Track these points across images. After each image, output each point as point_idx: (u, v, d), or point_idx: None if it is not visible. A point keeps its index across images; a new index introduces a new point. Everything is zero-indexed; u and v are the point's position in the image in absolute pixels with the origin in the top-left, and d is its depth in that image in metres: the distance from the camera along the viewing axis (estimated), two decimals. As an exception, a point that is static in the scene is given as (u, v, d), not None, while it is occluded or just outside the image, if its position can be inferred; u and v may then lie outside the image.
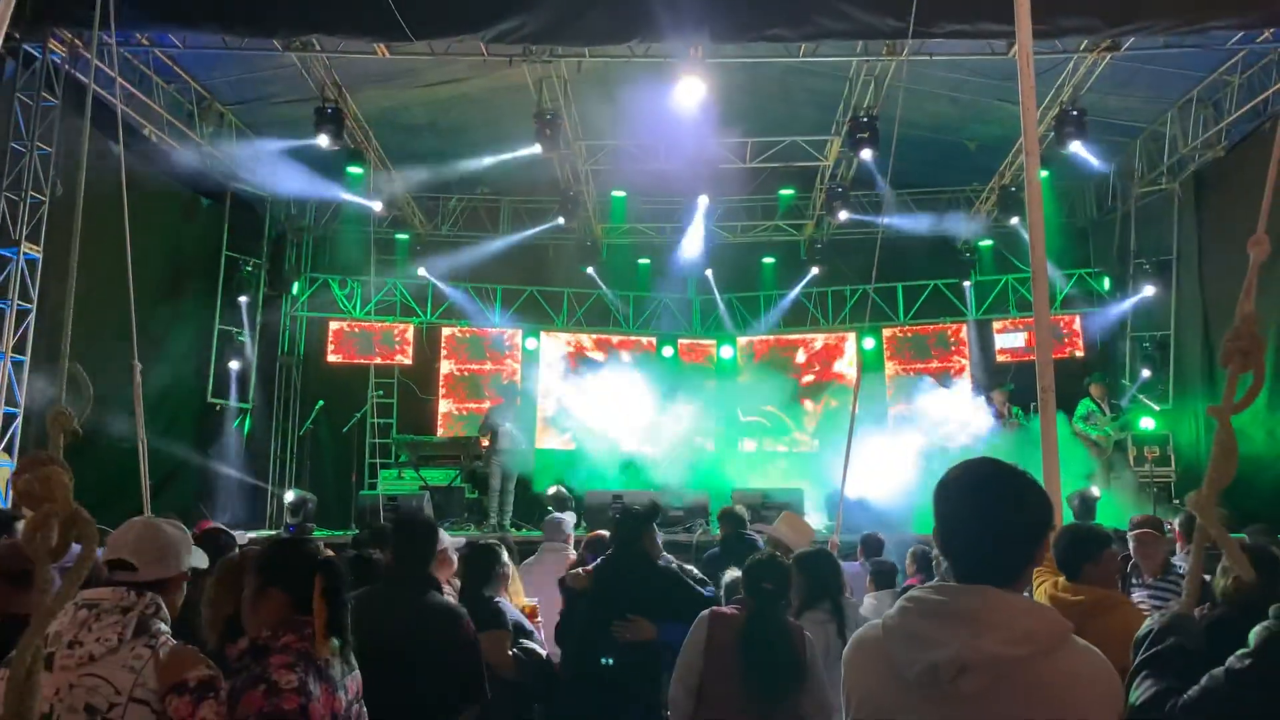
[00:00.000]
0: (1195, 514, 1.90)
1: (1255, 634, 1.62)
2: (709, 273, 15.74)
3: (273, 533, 10.95)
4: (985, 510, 1.77)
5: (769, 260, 16.31)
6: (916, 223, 14.23)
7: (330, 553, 2.71)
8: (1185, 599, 1.95)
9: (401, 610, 3.65)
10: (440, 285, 15.16)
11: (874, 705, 1.80)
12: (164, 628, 2.54)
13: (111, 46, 8.84)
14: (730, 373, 16.01)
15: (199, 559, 2.88)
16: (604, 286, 15.75)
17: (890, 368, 15.84)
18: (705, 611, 3.99)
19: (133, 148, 8.98)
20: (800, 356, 16.30)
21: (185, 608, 2.91)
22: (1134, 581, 5.41)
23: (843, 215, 13.77)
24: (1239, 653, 1.62)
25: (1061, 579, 3.33)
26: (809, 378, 16.03)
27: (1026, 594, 1.87)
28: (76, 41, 9.08)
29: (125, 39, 9.50)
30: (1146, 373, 13.29)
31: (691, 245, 15.11)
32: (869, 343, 15.83)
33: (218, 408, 12.98)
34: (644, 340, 16.29)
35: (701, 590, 4.81)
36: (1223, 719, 1.59)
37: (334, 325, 15.00)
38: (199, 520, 6.83)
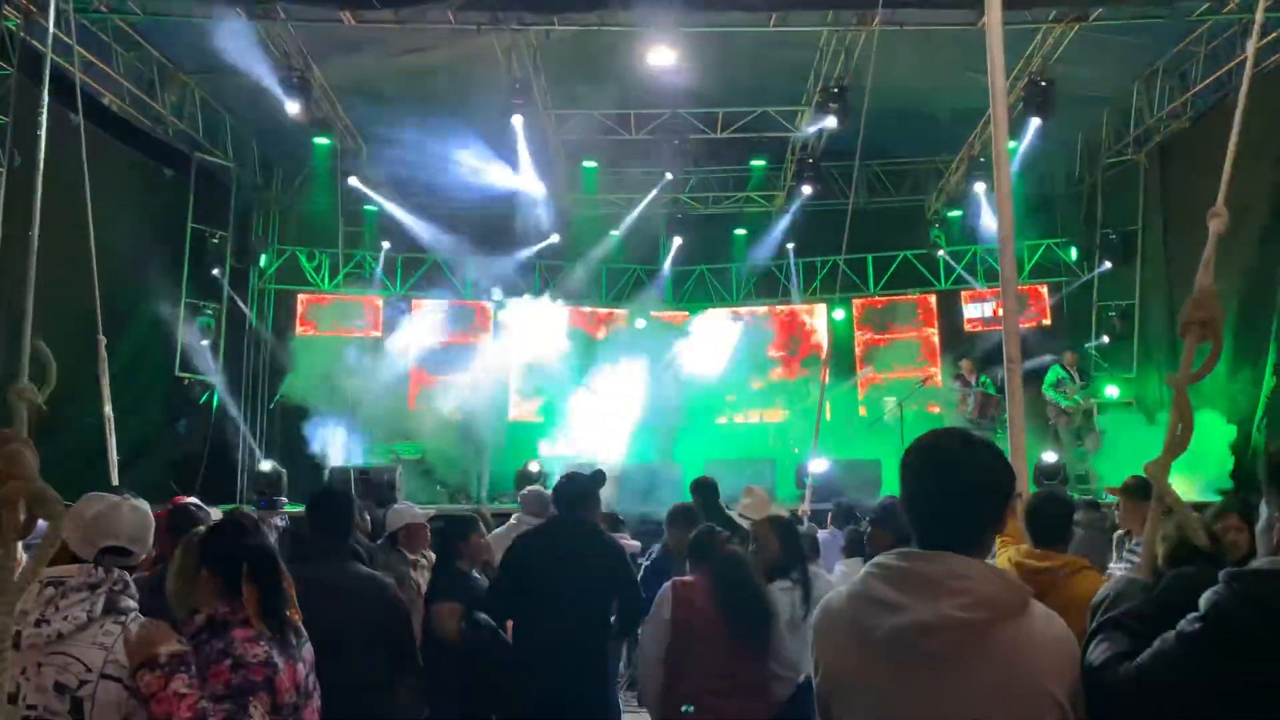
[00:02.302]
0: (1152, 480, 1.95)
1: (1205, 598, 1.67)
2: (677, 241, 15.71)
3: (245, 507, 10.90)
4: (948, 478, 1.82)
5: (740, 232, 16.32)
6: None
7: (270, 536, 2.72)
8: (1141, 564, 2.01)
9: (323, 583, 3.53)
10: (408, 256, 15.08)
11: (841, 668, 1.85)
12: (133, 604, 2.54)
13: (69, 13, 8.62)
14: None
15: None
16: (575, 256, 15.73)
17: (860, 338, 15.95)
18: (667, 583, 4.02)
19: (93, 117, 8.81)
20: (771, 326, 16.33)
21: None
22: (1127, 547, 5.38)
23: (808, 189, 13.77)
24: (1190, 616, 1.67)
25: (1025, 545, 3.38)
26: (779, 348, 16.08)
27: (990, 560, 1.91)
28: (32, 8, 8.85)
29: (83, 6, 9.27)
30: (1105, 339, 13.49)
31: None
32: (839, 314, 15.92)
33: (185, 381, 12.84)
34: (616, 312, 16.28)
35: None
36: (1174, 681, 1.64)
37: (302, 298, 14.86)
38: (172, 495, 6.79)
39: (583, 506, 4.41)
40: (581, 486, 4.45)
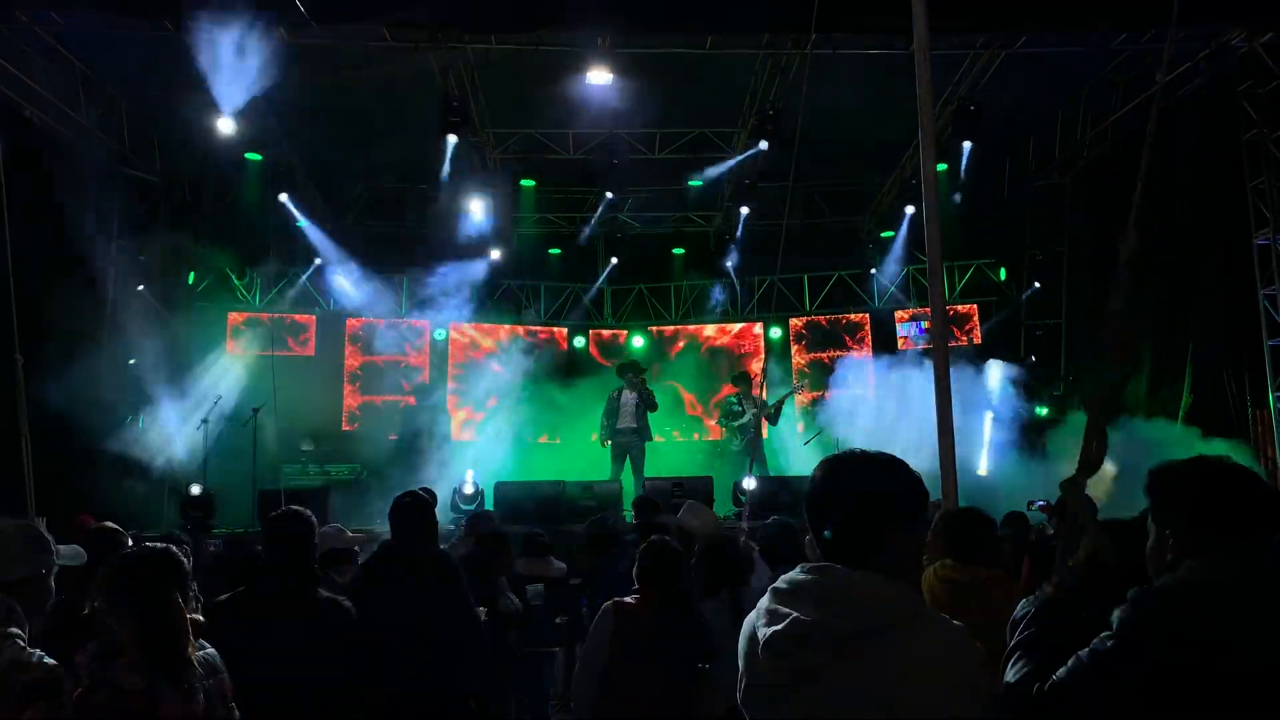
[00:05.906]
0: (1065, 496, 2.00)
1: (1115, 615, 1.71)
2: (614, 260, 15.74)
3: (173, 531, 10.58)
4: (842, 493, 1.86)
5: (679, 251, 16.42)
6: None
7: (176, 566, 2.63)
8: (1056, 581, 2.04)
9: (285, 609, 3.46)
10: (343, 275, 14.84)
11: (749, 678, 1.86)
12: (15, 631, 2.46)
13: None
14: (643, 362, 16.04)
15: (71, 558, 2.79)
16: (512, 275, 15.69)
17: (796, 357, 16.11)
18: (609, 604, 3.95)
19: (11, 129, 8.57)
20: (710, 346, 16.44)
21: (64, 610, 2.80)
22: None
23: (744, 209, 13.92)
24: (1103, 635, 1.71)
25: (949, 560, 3.42)
26: (718, 366, 16.16)
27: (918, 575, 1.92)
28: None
29: (1, 16, 9.01)
30: (1033, 358, 13.83)
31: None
32: (776, 332, 16.08)
33: (110, 401, 12.43)
34: (554, 330, 16.23)
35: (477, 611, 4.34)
36: (1089, 698, 1.67)
37: (232, 316, 14.53)
38: (82, 516, 6.58)
39: (415, 529, 4.08)
40: (414, 507, 4.14)
